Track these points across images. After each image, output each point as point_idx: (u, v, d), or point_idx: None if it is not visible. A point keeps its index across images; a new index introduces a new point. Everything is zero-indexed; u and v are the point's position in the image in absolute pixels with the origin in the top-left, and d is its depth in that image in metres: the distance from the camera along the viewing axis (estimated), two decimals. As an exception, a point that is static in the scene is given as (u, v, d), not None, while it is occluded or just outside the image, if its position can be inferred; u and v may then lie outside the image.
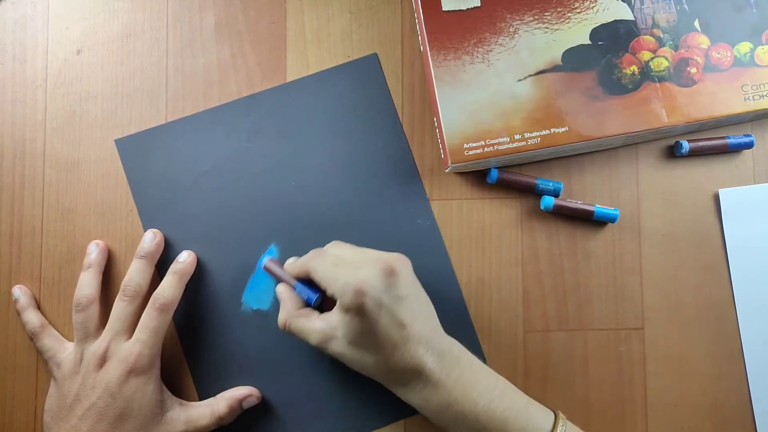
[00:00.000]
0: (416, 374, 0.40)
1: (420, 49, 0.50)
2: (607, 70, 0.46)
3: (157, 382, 0.45)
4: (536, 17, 0.47)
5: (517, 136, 0.45)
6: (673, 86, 0.46)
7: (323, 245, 0.47)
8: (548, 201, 0.47)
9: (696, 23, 0.47)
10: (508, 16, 0.47)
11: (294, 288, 0.45)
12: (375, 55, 0.50)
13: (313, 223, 0.48)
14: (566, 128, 0.45)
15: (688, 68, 0.46)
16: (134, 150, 0.49)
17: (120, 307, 0.45)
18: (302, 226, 0.48)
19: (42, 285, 0.49)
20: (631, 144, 0.49)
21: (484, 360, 0.47)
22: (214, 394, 0.47)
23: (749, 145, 0.49)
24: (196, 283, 0.48)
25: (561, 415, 0.41)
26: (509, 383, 0.42)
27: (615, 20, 0.47)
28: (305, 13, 0.50)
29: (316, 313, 0.44)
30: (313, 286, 0.45)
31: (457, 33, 0.46)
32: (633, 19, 0.47)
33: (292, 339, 0.47)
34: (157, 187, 0.49)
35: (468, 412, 0.40)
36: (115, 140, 0.49)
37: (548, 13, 0.47)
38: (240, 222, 0.49)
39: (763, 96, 0.46)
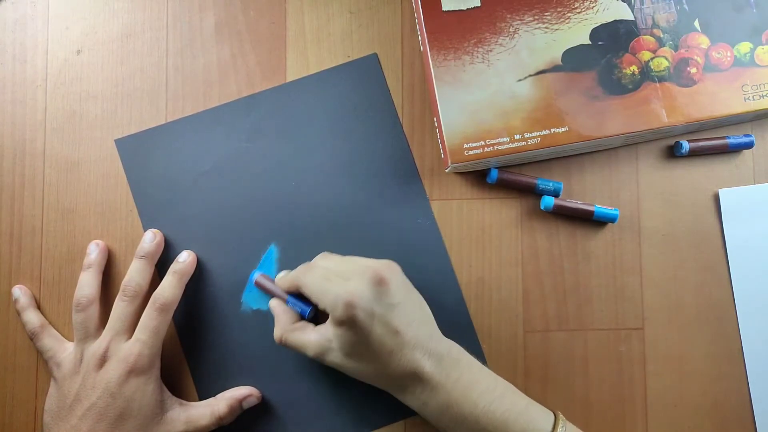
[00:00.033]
0: (415, 378, 0.40)
1: (420, 49, 0.50)
2: (607, 70, 0.46)
3: (157, 382, 0.45)
4: (536, 17, 0.47)
5: (517, 136, 0.45)
6: (673, 86, 0.46)
7: (323, 245, 0.47)
8: (548, 201, 0.47)
9: (696, 23, 0.47)
10: (508, 16, 0.47)
11: (287, 302, 0.45)
12: (375, 55, 0.50)
13: (313, 223, 0.48)
14: (566, 128, 0.45)
15: (688, 68, 0.46)
16: (134, 150, 0.49)
17: (120, 307, 0.45)
18: (302, 226, 0.48)
19: (42, 285, 0.49)
20: (631, 144, 0.49)
21: (483, 360, 0.47)
22: (214, 394, 0.47)
23: (749, 145, 0.49)
24: (196, 283, 0.48)
25: (561, 415, 0.41)
26: (509, 384, 0.42)
27: (615, 20, 0.47)
28: (305, 13, 0.50)
29: (311, 326, 0.44)
30: (305, 298, 0.45)
31: (457, 33, 0.46)
32: (633, 19, 0.47)
33: (292, 339, 0.47)
34: (157, 187, 0.49)
35: (468, 413, 0.40)
36: (115, 140, 0.49)
37: (548, 13, 0.47)
38: (240, 222, 0.49)
39: (763, 96, 0.46)
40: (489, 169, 0.48)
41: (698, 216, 0.49)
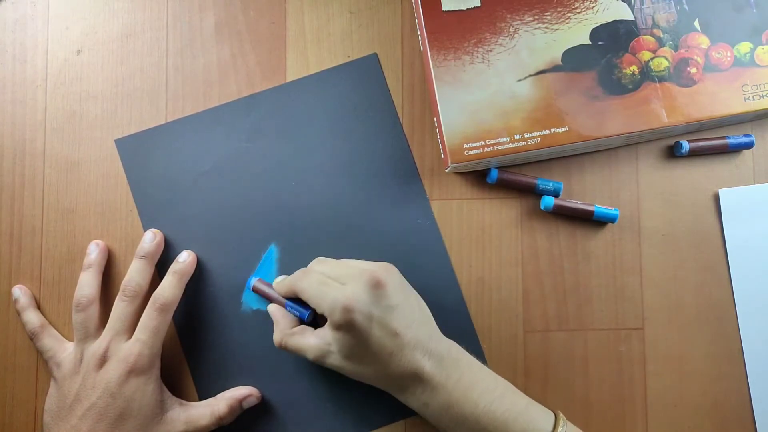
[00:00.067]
0: (415, 379, 0.40)
1: (420, 49, 0.50)
2: (607, 70, 0.46)
3: (157, 382, 0.45)
4: (536, 17, 0.47)
5: (517, 136, 0.45)
6: (673, 86, 0.46)
7: (323, 245, 0.47)
8: (548, 201, 0.47)
9: (696, 23, 0.47)
10: (508, 16, 0.47)
11: (285, 306, 0.45)
12: (375, 55, 0.50)
13: (313, 223, 0.48)
14: (566, 128, 0.45)
15: (688, 68, 0.46)
16: (134, 150, 0.49)
17: (120, 307, 0.45)
18: (302, 226, 0.48)
19: (42, 285, 0.49)
20: (631, 144, 0.49)
21: (484, 360, 0.47)
22: (214, 394, 0.47)
23: (749, 145, 0.49)
24: (196, 283, 0.48)
25: (561, 415, 0.41)
26: (509, 384, 0.42)
27: (615, 20, 0.47)
28: (305, 13, 0.50)
29: (310, 330, 0.44)
30: (303, 302, 0.45)
31: (457, 33, 0.46)
32: (633, 19, 0.47)
33: (292, 339, 0.47)
34: (157, 187, 0.49)
35: (468, 413, 0.40)
36: (115, 140, 0.49)
37: (548, 13, 0.47)
38: (240, 222, 0.49)
39: (763, 96, 0.46)
40: (489, 169, 0.48)
41: (698, 216, 0.49)
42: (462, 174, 0.49)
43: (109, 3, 0.50)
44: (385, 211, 0.49)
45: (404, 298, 0.42)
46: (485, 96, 0.46)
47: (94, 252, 0.47)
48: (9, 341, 0.48)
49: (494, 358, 0.48)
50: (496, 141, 0.45)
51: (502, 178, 0.48)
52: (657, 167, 0.49)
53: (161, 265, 0.48)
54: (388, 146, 0.49)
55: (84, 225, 0.49)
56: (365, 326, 0.40)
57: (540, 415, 0.41)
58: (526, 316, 0.48)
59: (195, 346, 0.48)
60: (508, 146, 0.45)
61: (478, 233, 0.49)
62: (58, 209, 0.49)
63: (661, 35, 0.46)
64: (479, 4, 0.47)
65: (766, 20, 0.47)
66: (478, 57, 0.46)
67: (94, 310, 0.46)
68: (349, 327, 0.40)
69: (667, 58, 0.46)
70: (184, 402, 0.46)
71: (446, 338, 0.43)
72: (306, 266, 0.45)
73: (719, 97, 0.46)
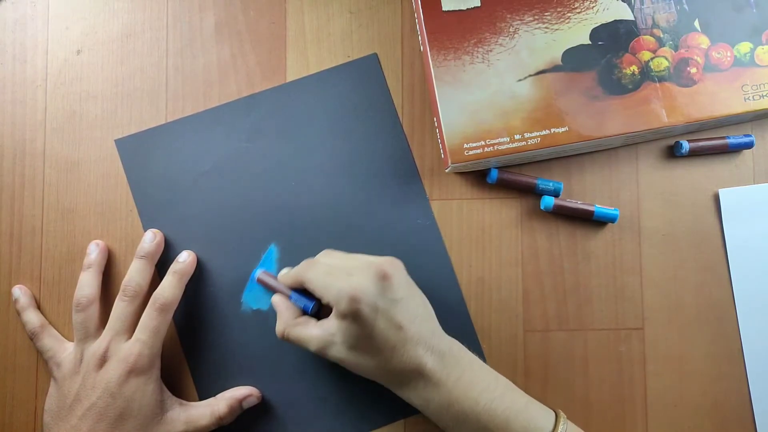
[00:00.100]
0: (417, 374, 0.40)
1: (420, 49, 0.50)
2: (607, 70, 0.46)
3: (157, 382, 0.45)
4: (536, 17, 0.47)
5: (517, 136, 0.45)
6: (673, 86, 0.46)
7: (323, 245, 0.47)
8: (548, 201, 0.47)
9: (696, 23, 0.47)
10: (508, 16, 0.47)
11: (290, 297, 0.45)
12: (375, 55, 0.50)
13: (313, 223, 0.48)
14: (566, 128, 0.45)
15: (688, 68, 0.46)
16: (134, 150, 0.49)
17: (120, 307, 0.45)
18: (302, 226, 0.48)
19: (42, 285, 0.49)
20: (631, 144, 0.49)
21: (483, 360, 0.47)
22: (214, 394, 0.47)
23: (749, 145, 0.49)
24: (196, 283, 0.48)
25: (562, 414, 0.41)
26: (509, 382, 0.42)
27: (615, 20, 0.47)
28: (305, 13, 0.50)
29: (313, 321, 0.44)
30: (308, 294, 0.45)
31: (457, 33, 0.46)
32: (633, 19, 0.47)
33: (292, 339, 0.47)
34: (157, 187, 0.49)
35: (469, 411, 0.40)
36: (115, 140, 0.49)
37: (548, 13, 0.47)
38: (240, 222, 0.49)
39: (763, 96, 0.46)
40: (489, 169, 0.48)
41: (698, 216, 0.49)
42: (462, 174, 0.49)
43: (109, 3, 0.50)
44: (385, 211, 0.49)
45: (409, 292, 0.42)
46: (485, 96, 0.46)
47: (94, 252, 0.47)
48: (9, 341, 0.48)
49: (494, 357, 0.48)
50: (496, 141, 0.45)
51: (502, 178, 0.48)
52: (657, 167, 0.49)
53: (161, 265, 0.48)
54: (388, 146, 0.49)
55: (84, 225, 0.49)
56: (371, 317, 0.40)
57: (540, 413, 0.41)
58: (526, 316, 0.48)
59: (195, 346, 0.48)
60: (508, 146, 0.45)
61: (478, 233, 0.49)
62: (58, 209, 0.49)
63: (661, 35, 0.46)
64: (479, 4, 0.47)
65: (766, 20, 0.47)
66: (478, 57, 0.46)
67: (94, 310, 0.46)
68: (354, 316, 0.40)
69: (667, 58, 0.46)
70: (184, 402, 0.46)
71: (448, 336, 0.43)
72: None
73: (719, 97, 0.46)
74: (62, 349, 0.46)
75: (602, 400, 0.48)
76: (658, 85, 0.46)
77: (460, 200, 0.49)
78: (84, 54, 0.50)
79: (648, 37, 0.46)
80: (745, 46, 0.46)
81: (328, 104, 0.49)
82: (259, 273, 0.47)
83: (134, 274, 0.46)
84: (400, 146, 0.49)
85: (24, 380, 0.48)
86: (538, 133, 0.45)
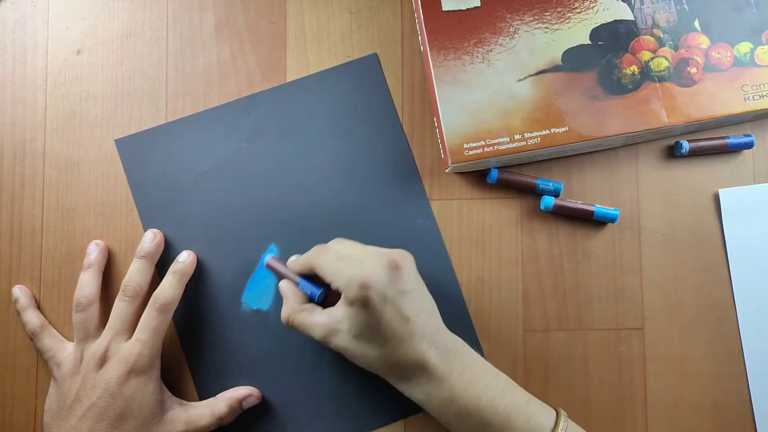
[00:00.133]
0: (420, 369, 0.40)
1: (420, 49, 0.50)
2: (607, 70, 0.46)
3: (157, 382, 0.45)
4: (536, 17, 0.47)
5: (517, 136, 0.45)
6: (673, 86, 0.46)
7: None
8: (548, 201, 0.47)
9: (696, 23, 0.47)
10: (508, 16, 0.47)
11: (297, 284, 0.45)
12: (375, 55, 0.50)
13: (313, 223, 0.48)
14: (566, 128, 0.45)
15: (688, 68, 0.46)
16: (134, 150, 0.49)
17: (120, 307, 0.45)
18: (302, 226, 0.48)
19: (42, 285, 0.49)
20: (631, 144, 0.49)
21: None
22: (214, 394, 0.47)
23: (749, 145, 0.49)
24: (196, 283, 0.48)
25: (563, 412, 0.41)
26: (510, 380, 0.42)
27: (615, 20, 0.47)
28: (305, 13, 0.50)
29: (319, 308, 0.44)
30: (316, 282, 0.45)
31: (457, 33, 0.46)
32: (633, 19, 0.47)
33: (293, 339, 0.47)
34: (157, 187, 0.49)
35: (471, 407, 0.40)
36: (115, 140, 0.49)
37: (548, 13, 0.47)
38: (240, 222, 0.49)
39: (763, 96, 0.46)
40: (489, 169, 0.48)
41: (698, 216, 0.49)
42: (462, 174, 0.49)
43: (109, 3, 0.50)
44: (385, 211, 0.49)
45: (418, 285, 0.42)
46: (485, 96, 0.46)
47: (94, 252, 0.47)
48: (9, 341, 0.48)
49: (494, 357, 0.48)
50: (496, 141, 0.45)
51: (502, 178, 0.48)
52: (657, 167, 0.49)
53: (161, 265, 0.48)
54: (388, 146, 0.49)
55: (84, 225, 0.49)
56: (379, 306, 0.40)
57: (541, 411, 0.41)
58: (526, 315, 0.48)
59: (195, 346, 0.48)
60: (508, 146, 0.45)
61: (478, 233, 0.49)
62: (58, 209, 0.49)
63: (661, 35, 0.46)
64: (479, 4, 0.47)
65: (766, 20, 0.47)
66: (478, 57, 0.46)
67: (94, 310, 0.46)
68: (364, 303, 0.40)
69: (667, 58, 0.46)
70: (184, 402, 0.46)
71: (451, 333, 0.43)
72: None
73: (719, 97, 0.46)
74: (62, 349, 0.46)
75: (602, 400, 0.48)
76: (658, 85, 0.46)
77: (460, 200, 0.49)
78: (84, 54, 0.50)
79: (648, 37, 0.46)
80: (745, 46, 0.46)
81: (328, 104, 0.49)
82: (268, 258, 0.47)
83: (134, 274, 0.46)
84: (400, 146, 0.49)
85: (24, 380, 0.48)
86: (538, 133, 0.45)
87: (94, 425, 0.42)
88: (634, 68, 0.46)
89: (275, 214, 0.49)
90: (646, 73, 0.46)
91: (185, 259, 0.47)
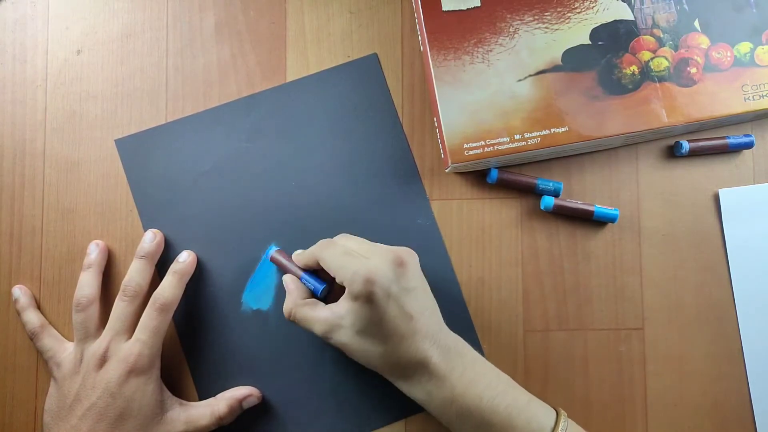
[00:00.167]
0: (421, 368, 0.40)
1: (420, 49, 0.50)
2: (607, 70, 0.46)
3: (157, 382, 0.45)
4: (536, 17, 0.47)
5: (517, 136, 0.45)
6: (673, 86, 0.46)
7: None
8: (548, 201, 0.47)
9: (696, 23, 0.47)
10: (508, 16, 0.47)
11: (300, 278, 0.45)
12: (375, 55, 0.50)
13: (313, 223, 0.48)
14: (566, 128, 0.45)
15: (688, 68, 0.46)
16: (134, 150, 0.49)
17: (120, 307, 0.45)
18: (302, 226, 0.48)
19: (42, 285, 0.49)
20: (631, 144, 0.49)
21: (484, 360, 0.48)
22: (214, 394, 0.47)
23: (749, 145, 0.49)
24: (196, 283, 0.48)
25: (563, 412, 0.41)
26: (511, 380, 0.42)
27: (615, 20, 0.47)
28: (305, 13, 0.50)
29: (321, 303, 0.44)
30: (319, 278, 0.45)
31: (457, 33, 0.46)
32: (633, 19, 0.47)
33: (293, 339, 0.47)
34: (157, 187, 0.49)
35: (472, 407, 0.40)
36: (115, 140, 0.49)
37: (548, 13, 0.47)
38: (240, 222, 0.49)
39: (763, 96, 0.46)
40: (489, 169, 0.48)
41: (698, 216, 0.49)
42: (462, 174, 0.49)
43: (109, 3, 0.50)
44: (385, 211, 0.49)
45: (421, 283, 0.42)
46: (485, 96, 0.46)
47: (94, 252, 0.47)
48: (9, 341, 0.48)
49: (494, 357, 0.48)
50: (496, 141, 0.45)
51: (502, 178, 0.48)
52: (657, 167, 0.49)
53: (161, 265, 0.48)
54: (388, 146, 0.49)
55: (84, 225, 0.49)
56: (383, 302, 0.40)
57: (542, 410, 0.41)
58: (526, 316, 0.48)
59: (195, 346, 0.48)
60: (508, 146, 0.45)
61: (478, 233, 0.49)
62: (58, 209, 0.49)
63: (661, 35, 0.46)
64: (479, 4, 0.47)
65: (766, 20, 0.47)
66: (478, 57, 0.46)
67: (94, 310, 0.46)
68: (368, 298, 0.40)
69: (667, 58, 0.46)
70: (184, 402, 0.46)
71: (453, 332, 0.43)
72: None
73: (719, 97, 0.46)
74: (62, 349, 0.46)
75: (602, 400, 0.48)
76: (658, 85, 0.46)
77: (460, 200, 0.49)
78: (84, 54, 0.50)
79: (648, 37, 0.46)
80: (745, 46, 0.46)
81: (328, 104, 0.49)
82: (272, 252, 0.47)
83: (134, 274, 0.46)
84: (400, 146, 0.49)
85: (24, 380, 0.48)
86: (538, 133, 0.45)
87: (94, 425, 0.42)
88: (634, 68, 0.46)
89: (275, 214, 0.49)
90: (646, 73, 0.46)
91: (185, 259, 0.47)
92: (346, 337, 0.41)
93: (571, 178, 0.49)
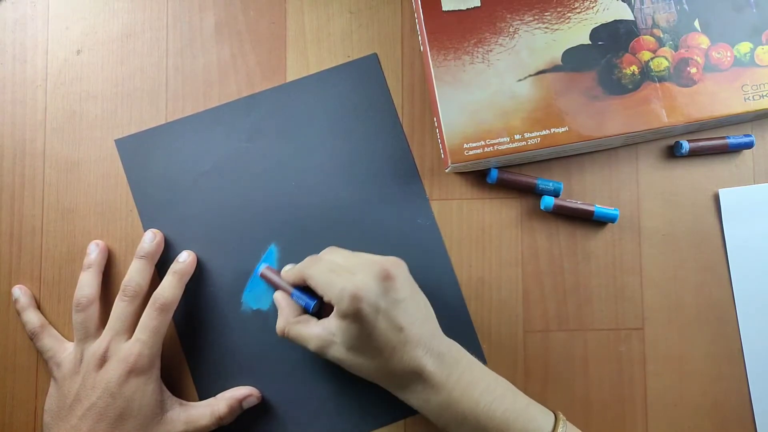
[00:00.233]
0: (416, 376, 0.40)
1: (420, 49, 0.50)
2: (607, 70, 0.46)
3: (157, 382, 0.45)
4: (536, 17, 0.47)
5: (517, 136, 0.45)
6: (673, 86, 0.46)
7: (323, 245, 0.47)
8: (548, 201, 0.47)
9: (696, 23, 0.47)
10: (508, 16, 0.47)
11: (291, 295, 0.45)
12: (375, 55, 0.50)
13: (313, 223, 0.48)
14: (566, 128, 0.45)
15: (688, 68, 0.46)
16: (134, 150, 0.49)
17: (120, 307, 0.45)
18: (302, 226, 0.48)
19: (42, 285, 0.49)
20: (631, 144, 0.49)
21: (484, 360, 0.47)
22: (214, 394, 0.47)
23: (749, 145, 0.49)
24: (196, 283, 0.48)
25: (561, 416, 0.41)
26: (509, 384, 0.42)
27: (615, 20, 0.47)
28: (305, 13, 0.50)
29: (314, 320, 0.44)
30: (310, 292, 0.45)
31: (457, 33, 0.46)
32: (633, 19, 0.47)
33: (292, 339, 0.47)
34: (157, 187, 0.49)
35: (469, 412, 0.40)
36: (115, 140, 0.49)
37: (548, 13, 0.47)
38: (240, 222, 0.49)
39: (763, 96, 0.46)
40: (489, 169, 0.48)
41: (698, 216, 0.49)
42: (462, 174, 0.49)
43: (109, 3, 0.50)
44: (385, 211, 0.49)
45: (411, 293, 0.42)
46: (485, 96, 0.46)
47: (94, 252, 0.47)
48: (9, 341, 0.48)
49: (494, 358, 0.48)
50: (496, 141, 0.45)
51: (502, 178, 0.48)
52: (657, 167, 0.49)
53: (161, 265, 0.48)
54: (388, 146, 0.49)
55: (84, 225, 0.49)
56: (371, 317, 0.40)
57: (540, 414, 0.41)
58: (526, 316, 0.48)
59: (195, 346, 0.48)
60: (508, 146, 0.45)
61: (478, 233, 0.49)
62: (58, 209, 0.49)
63: (661, 35, 0.46)
64: (479, 4, 0.47)
65: (766, 20, 0.47)
66: (478, 57, 0.46)
67: (94, 310, 0.46)
68: (356, 316, 0.40)
69: (667, 58, 0.46)
70: (184, 402, 0.46)
71: (447, 338, 0.43)
72: None
73: (719, 97, 0.46)
74: (62, 349, 0.46)
75: (602, 400, 0.48)
76: (658, 85, 0.46)
77: (460, 200, 0.49)
78: (84, 54, 0.50)
79: (648, 37, 0.46)
80: (745, 46, 0.46)
81: (328, 104, 0.49)
82: (262, 268, 0.47)
83: (134, 274, 0.46)
84: (400, 146, 0.49)
85: (24, 380, 0.48)
86: (538, 133, 0.45)
87: (94, 425, 0.42)
88: (634, 68, 0.46)
89: (275, 214, 0.49)
90: (646, 73, 0.46)
91: (185, 259, 0.47)
92: (339, 353, 0.41)
93: (571, 178, 0.49)
